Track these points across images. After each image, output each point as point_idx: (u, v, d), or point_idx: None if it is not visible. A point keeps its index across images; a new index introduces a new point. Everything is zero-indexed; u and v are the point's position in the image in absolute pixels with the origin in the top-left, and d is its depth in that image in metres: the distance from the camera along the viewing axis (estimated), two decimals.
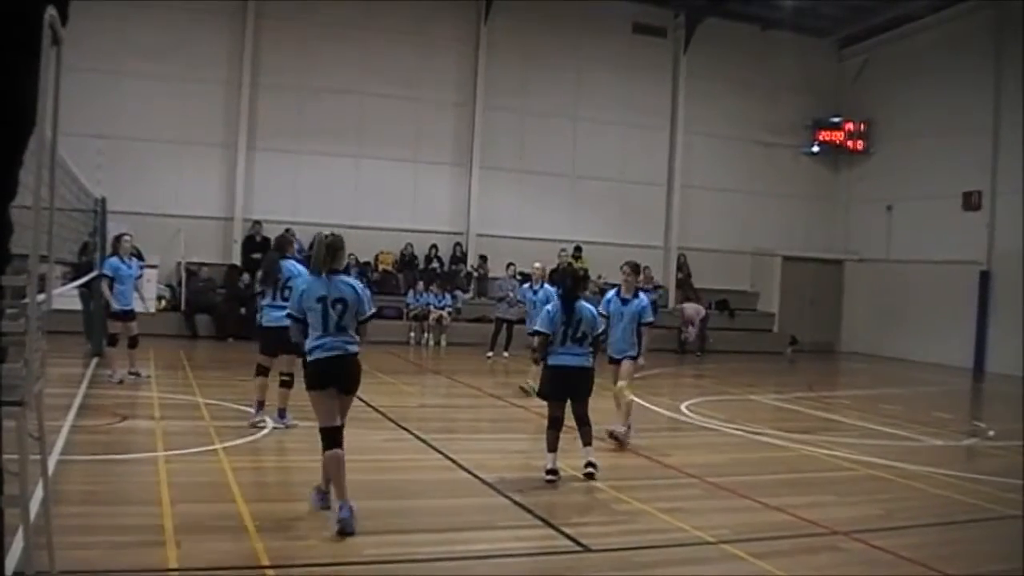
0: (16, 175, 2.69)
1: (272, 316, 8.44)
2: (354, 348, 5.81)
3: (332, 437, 5.66)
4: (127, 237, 11.62)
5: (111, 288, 11.22)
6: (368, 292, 6.11)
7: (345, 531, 5.33)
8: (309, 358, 5.81)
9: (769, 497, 6.91)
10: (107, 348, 11.45)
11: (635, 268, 9.13)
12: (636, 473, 7.75)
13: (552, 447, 7.20)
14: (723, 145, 23.45)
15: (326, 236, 5.91)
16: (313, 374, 5.75)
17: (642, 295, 9.04)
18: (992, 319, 19.86)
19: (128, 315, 11.33)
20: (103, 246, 14.06)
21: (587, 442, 7.37)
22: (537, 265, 12.82)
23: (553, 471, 7.13)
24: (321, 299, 5.73)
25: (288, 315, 6.06)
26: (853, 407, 13.02)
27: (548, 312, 7.38)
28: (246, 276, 17.83)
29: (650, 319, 8.94)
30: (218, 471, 6.88)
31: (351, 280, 6.00)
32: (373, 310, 6.05)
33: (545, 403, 7.53)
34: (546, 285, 12.20)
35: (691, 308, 21.07)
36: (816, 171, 24.61)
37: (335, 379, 5.73)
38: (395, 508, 6.26)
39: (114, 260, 11.37)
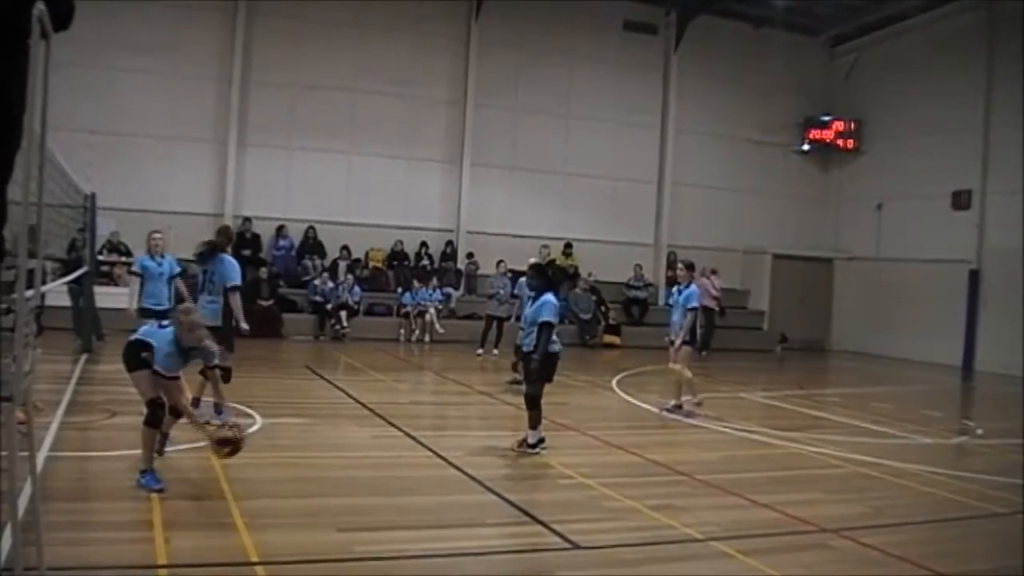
0: (11, 161, 2.68)
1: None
2: None
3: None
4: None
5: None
6: None
7: None
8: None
9: (758, 495, 6.93)
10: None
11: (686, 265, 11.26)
12: (625, 470, 7.76)
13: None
14: (714, 143, 23.48)
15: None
16: None
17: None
18: (981, 318, 19.96)
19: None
20: (93, 242, 14.01)
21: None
22: (533, 260, 11.98)
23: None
24: None
25: None
26: (842, 405, 13.05)
27: (555, 305, 8.22)
28: None
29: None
30: (207, 467, 6.86)
31: None
32: None
33: None
34: None
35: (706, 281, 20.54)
36: (806, 169, 24.67)
37: None
38: (384, 504, 6.27)
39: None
